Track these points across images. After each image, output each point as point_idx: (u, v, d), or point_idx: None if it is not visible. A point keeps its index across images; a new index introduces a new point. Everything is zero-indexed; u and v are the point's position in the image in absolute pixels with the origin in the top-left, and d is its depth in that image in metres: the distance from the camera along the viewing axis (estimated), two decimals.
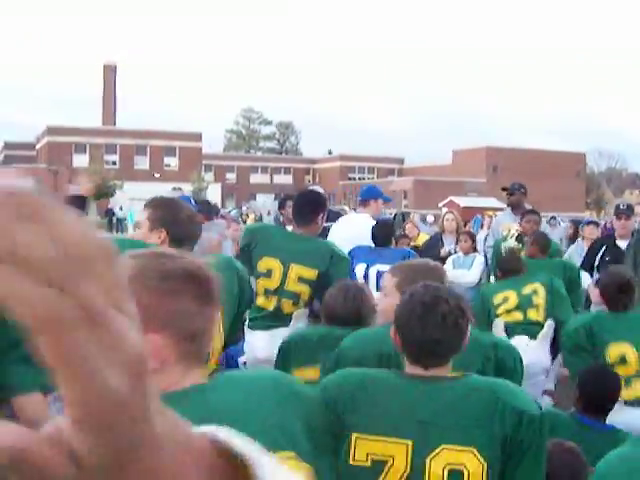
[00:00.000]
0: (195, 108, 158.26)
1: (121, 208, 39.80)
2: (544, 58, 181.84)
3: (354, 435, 2.19)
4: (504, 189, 8.47)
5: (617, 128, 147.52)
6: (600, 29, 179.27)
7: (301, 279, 4.49)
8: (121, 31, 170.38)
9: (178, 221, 3.22)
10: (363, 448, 2.17)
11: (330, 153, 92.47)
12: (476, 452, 2.10)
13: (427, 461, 2.11)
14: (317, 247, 4.66)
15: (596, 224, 10.22)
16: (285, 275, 4.49)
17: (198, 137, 66.27)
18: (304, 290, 4.51)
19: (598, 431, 3.30)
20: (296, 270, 4.49)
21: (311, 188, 8.55)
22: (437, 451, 2.12)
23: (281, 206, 8.92)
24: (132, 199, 45.60)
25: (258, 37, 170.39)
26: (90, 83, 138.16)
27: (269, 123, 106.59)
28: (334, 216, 8.39)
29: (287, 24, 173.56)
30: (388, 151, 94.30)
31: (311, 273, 4.48)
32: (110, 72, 69.04)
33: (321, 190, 8.37)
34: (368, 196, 6.52)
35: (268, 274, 4.52)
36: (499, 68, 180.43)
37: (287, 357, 3.55)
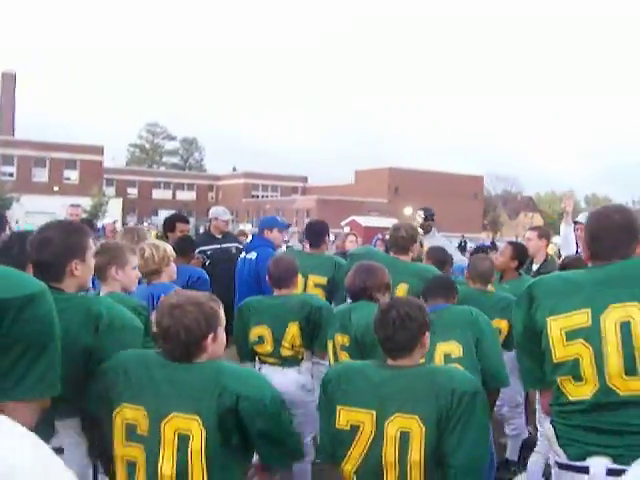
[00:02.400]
0: (98, 121, 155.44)
1: (17, 222, 38.71)
2: (447, 83, 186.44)
3: (338, 407, 3.13)
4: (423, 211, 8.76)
5: (513, 154, 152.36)
6: (508, 54, 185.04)
7: (316, 285, 6.17)
8: (21, 39, 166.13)
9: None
10: (344, 416, 3.11)
11: (234, 170, 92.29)
12: (418, 419, 2.93)
13: (385, 425, 2.99)
14: (325, 260, 6.43)
15: (496, 248, 10.61)
16: (305, 284, 6.15)
17: (100, 150, 65.05)
18: (319, 292, 6.04)
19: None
20: (312, 278, 6.20)
21: (216, 208, 8.50)
22: (392, 418, 2.98)
23: (171, 229, 7.59)
24: (29, 213, 44.41)
25: (162, 50, 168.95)
26: None
27: (173, 138, 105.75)
28: (233, 239, 8.32)
29: (194, 39, 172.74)
30: (292, 169, 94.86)
31: (323, 280, 6.22)
32: (9, 80, 67.14)
33: (224, 210, 8.38)
34: (262, 227, 7.10)
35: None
36: (404, 91, 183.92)
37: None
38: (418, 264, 5.98)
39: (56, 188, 58.86)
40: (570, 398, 2.96)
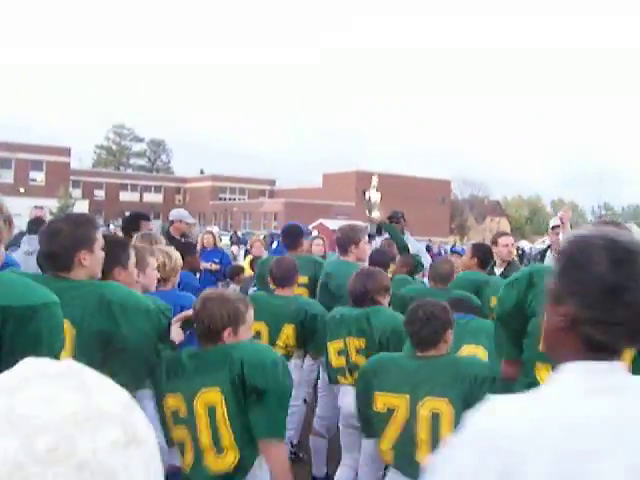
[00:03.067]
0: (64, 122, 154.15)
1: None
2: (414, 86, 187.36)
3: (375, 393, 3.73)
4: (389, 218, 8.90)
5: (481, 158, 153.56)
6: (474, 58, 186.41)
7: (299, 284, 6.28)
8: None
9: None
10: (381, 401, 3.69)
11: (202, 173, 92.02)
12: (447, 401, 3.46)
13: (418, 407, 3.53)
14: (304, 260, 6.76)
15: (459, 254, 10.79)
16: None
17: (66, 152, 64.54)
18: (303, 292, 6.44)
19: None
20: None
21: (178, 210, 8.53)
22: (424, 401, 3.51)
23: (135, 227, 6.99)
24: None
25: (131, 52, 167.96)
26: None
27: (140, 140, 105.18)
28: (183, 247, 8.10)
29: (159, 43, 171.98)
30: (260, 172, 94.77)
31: (304, 279, 6.57)
32: None
33: (186, 213, 8.42)
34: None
35: None
36: (371, 93, 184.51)
37: None
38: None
39: (22, 189, 58.21)
40: (540, 382, 3.22)
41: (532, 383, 3.20)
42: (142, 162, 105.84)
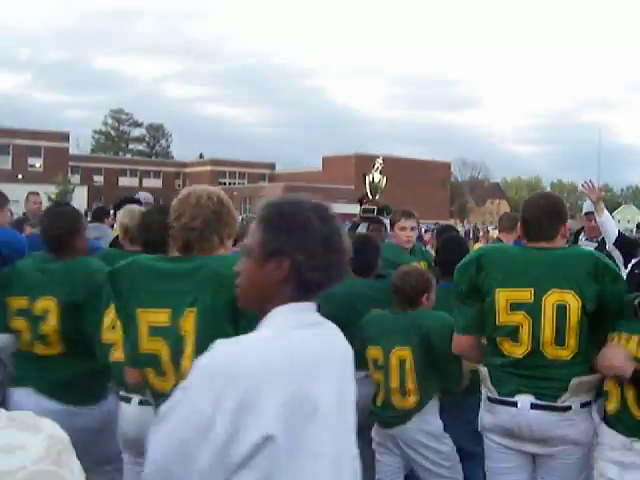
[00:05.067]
0: (63, 107, 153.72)
1: None
2: (415, 70, 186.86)
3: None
4: (384, 208, 8.78)
5: (482, 140, 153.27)
6: (476, 44, 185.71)
7: None
8: None
9: None
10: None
11: (201, 157, 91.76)
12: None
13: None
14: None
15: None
16: None
17: (65, 137, 64.37)
18: None
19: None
20: None
21: (140, 195, 8.69)
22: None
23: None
24: None
25: (124, 35, 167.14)
26: None
27: (139, 125, 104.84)
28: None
29: (154, 22, 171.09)
30: (260, 156, 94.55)
31: None
32: None
33: (149, 197, 8.53)
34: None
35: None
36: (369, 78, 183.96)
37: None
38: None
39: (20, 176, 57.94)
40: (505, 353, 3.56)
41: (500, 355, 3.58)
42: (141, 147, 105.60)
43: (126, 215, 4.77)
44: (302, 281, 1.95)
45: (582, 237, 7.78)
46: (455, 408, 4.42)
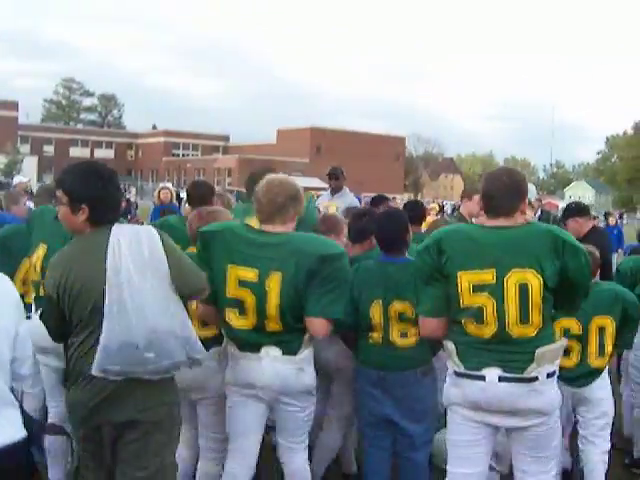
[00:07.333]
0: (13, 75, 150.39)
1: None
2: (370, 44, 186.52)
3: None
4: (328, 175, 8.67)
5: (436, 115, 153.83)
6: (431, 18, 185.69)
7: None
8: None
9: None
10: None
11: (154, 128, 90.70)
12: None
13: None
14: None
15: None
16: None
17: (14, 106, 63.14)
18: None
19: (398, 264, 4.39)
20: None
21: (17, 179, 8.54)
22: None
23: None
24: None
25: (76, 3, 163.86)
26: None
27: (91, 95, 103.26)
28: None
29: None
30: (213, 128, 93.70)
31: None
32: None
33: (24, 179, 8.46)
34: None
35: None
36: (325, 49, 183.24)
37: None
38: None
39: None
40: (471, 334, 3.60)
41: (465, 334, 3.62)
42: (93, 117, 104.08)
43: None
44: None
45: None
46: None
